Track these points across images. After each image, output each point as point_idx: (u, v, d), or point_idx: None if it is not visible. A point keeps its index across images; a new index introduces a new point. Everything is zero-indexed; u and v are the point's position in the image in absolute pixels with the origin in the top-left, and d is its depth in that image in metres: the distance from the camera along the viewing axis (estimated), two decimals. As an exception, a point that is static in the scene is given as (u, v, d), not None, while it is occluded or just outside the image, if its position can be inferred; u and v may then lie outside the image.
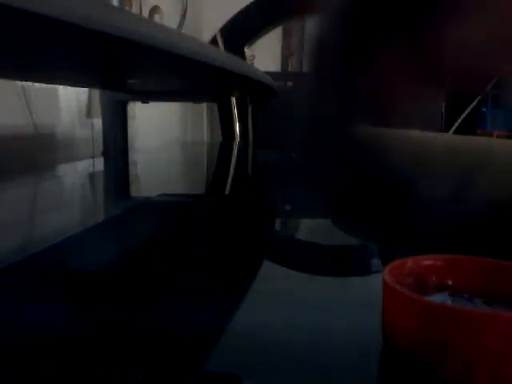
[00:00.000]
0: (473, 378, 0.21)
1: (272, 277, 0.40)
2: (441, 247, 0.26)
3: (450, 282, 0.27)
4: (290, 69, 2.65)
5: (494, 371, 0.20)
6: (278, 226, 0.63)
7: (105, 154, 1.33)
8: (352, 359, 0.25)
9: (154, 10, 1.38)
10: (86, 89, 1.33)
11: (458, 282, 0.27)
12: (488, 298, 0.26)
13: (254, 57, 1.90)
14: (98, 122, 1.35)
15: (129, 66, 0.79)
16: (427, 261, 0.27)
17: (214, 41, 1.82)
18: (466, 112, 2.41)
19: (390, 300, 0.24)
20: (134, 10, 1.16)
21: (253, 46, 1.89)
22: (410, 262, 0.26)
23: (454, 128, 2.37)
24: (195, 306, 0.34)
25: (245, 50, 1.85)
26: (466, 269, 0.27)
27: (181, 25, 1.27)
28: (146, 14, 1.33)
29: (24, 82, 1.07)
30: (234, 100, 1.68)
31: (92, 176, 1.16)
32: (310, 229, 0.62)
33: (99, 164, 1.31)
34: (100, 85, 1.23)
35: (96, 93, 1.34)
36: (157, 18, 1.37)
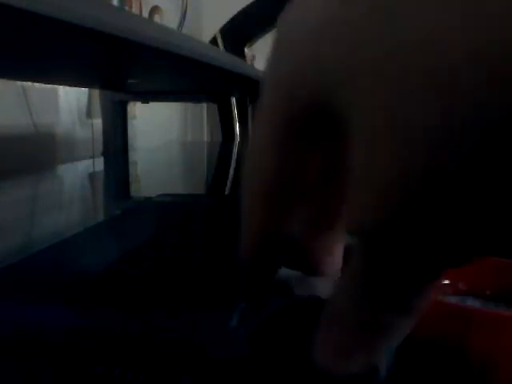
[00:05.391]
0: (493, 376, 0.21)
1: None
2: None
3: (460, 284, 0.27)
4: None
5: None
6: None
7: (105, 154, 1.33)
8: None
9: (154, 10, 1.38)
10: (86, 89, 1.33)
11: (466, 283, 0.27)
12: (496, 298, 0.26)
13: (254, 57, 1.89)
14: (97, 122, 1.35)
15: (129, 65, 0.79)
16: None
17: (214, 41, 1.82)
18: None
19: None
20: (134, 10, 1.16)
21: (253, 46, 1.89)
22: None
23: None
24: (195, 305, 0.34)
25: (245, 49, 1.85)
26: (476, 269, 0.27)
27: (181, 25, 1.27)
28: (146, 14, 1.33)
29: (24, 82, 1.07)
30: (233, 100, 1.68)
31: (92, 176, 1.16)
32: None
33: (99, 164, 1.31)
34: (100, 85, 1.23)
35: (96, 93, 1.34)
36: (157, 18, 1.37)
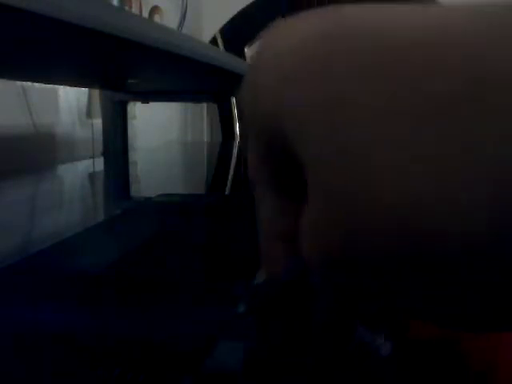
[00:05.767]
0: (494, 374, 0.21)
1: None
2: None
3: None
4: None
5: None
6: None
7: (105, 154, 1.33)
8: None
9: (154, 10, 1.38)
10: (86, 89, 1.33)
11: None
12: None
13: (254, 57, 1.89)
14: (98, 122, 1.35)
15: (129, 65, 0.79)
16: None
17: (214, 41, 1.82)
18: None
19: None
20: (134, 10, 1.16)
21: (253, 46, 1.89)
22: None
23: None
24: (195, 306, 0.34)
25: (245, 49, 1.85)
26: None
27: (181, 25, 1.27)
28: (146, 14, 1.33)
29: (24, 82, 1.07)
30: (233, 100, 1.68)
31: (92, 176, 1.16)
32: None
33: (99, 164, 1.31)
34: (100, 85, 1.23)
35: (96, 93, 1.34)
36: (157, 18, 1.37)
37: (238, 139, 1.75)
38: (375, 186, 0.11)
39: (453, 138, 0.10)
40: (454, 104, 0.10)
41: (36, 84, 1.11)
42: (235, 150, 1.62)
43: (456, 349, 0.21)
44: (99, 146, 1.35)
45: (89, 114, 1.36)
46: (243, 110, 0.16)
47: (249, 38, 1.86)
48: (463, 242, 0.11)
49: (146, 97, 1.37)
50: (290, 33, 0.14)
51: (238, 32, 1.86)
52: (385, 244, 0.12)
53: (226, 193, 0.87)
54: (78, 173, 1.20)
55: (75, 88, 1.28)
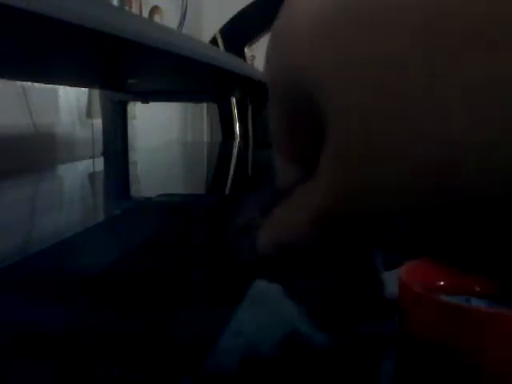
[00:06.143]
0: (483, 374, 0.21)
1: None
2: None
3: (467, 284, 0.27)
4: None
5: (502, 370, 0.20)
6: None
7: (105, 154, 1.33)
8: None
9: (154, 10, 1.38)
10: (86, 89, 1.33)
11: (472, 284, 0.27)
12: (492, 298, 0.26)
13: (254, 57, 1.89)
14: (98, 122, 1.35)
15: (129, 65, 0.79)
16: (433, 263, 0.27)
17: (214, 41, 1.82)
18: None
19: (409, 300, 0.24)
20: (134, 10, 1.16)
21: (253, 46, 1.89)
22: (418, 264, 0.26)
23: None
24: (195, 305, 0.34)
25: (245, 49, 1.85)
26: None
27: (181, 25, 1.27)
28: (146, 14, 1.33)
29: (24, 82, 1.07)
30: (234, 100, 1.68)
31: (92, 176, 1.16)
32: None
33: (99, 164, 1.31)
34: (100, 85, 1.23)
35: (96, 93, 1.34)
36: (157, 18, 1.37)
37: (237, 139, 1.75)
38: (392, 138, 0.12)
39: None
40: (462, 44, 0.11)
41: (36, 84, 1.11)
42: (235, 150, 1.62)
43: (458, 348, 0.21)
44: (99, 146, 1.35)
45: (89, 114, 1.36)
46: (269, 56, 0.16)
47: (249, 38, 1.86)
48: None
49: (145, 97, 1.37)
50: None
51: (237, 32, 1.85)
52: (399, 191, 0.12)
53: (226, 193, 0.87)
54: (78, 173, 1.20)
55: (75, 88, 1.28)
